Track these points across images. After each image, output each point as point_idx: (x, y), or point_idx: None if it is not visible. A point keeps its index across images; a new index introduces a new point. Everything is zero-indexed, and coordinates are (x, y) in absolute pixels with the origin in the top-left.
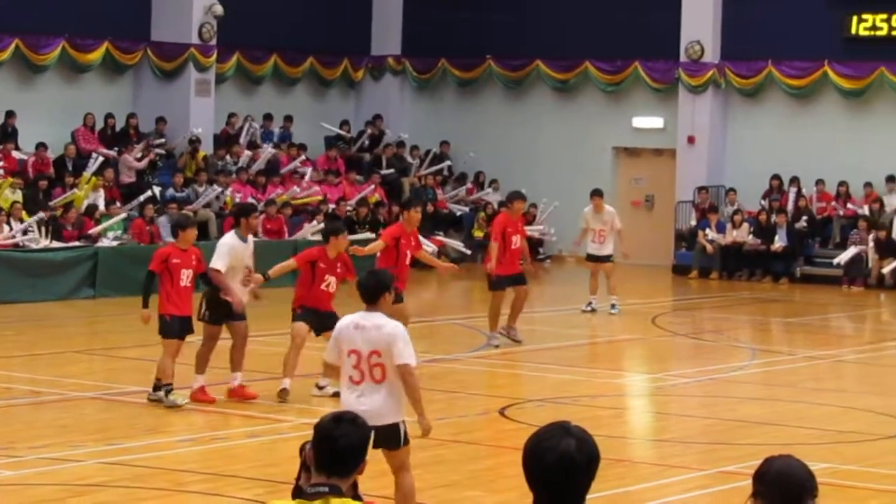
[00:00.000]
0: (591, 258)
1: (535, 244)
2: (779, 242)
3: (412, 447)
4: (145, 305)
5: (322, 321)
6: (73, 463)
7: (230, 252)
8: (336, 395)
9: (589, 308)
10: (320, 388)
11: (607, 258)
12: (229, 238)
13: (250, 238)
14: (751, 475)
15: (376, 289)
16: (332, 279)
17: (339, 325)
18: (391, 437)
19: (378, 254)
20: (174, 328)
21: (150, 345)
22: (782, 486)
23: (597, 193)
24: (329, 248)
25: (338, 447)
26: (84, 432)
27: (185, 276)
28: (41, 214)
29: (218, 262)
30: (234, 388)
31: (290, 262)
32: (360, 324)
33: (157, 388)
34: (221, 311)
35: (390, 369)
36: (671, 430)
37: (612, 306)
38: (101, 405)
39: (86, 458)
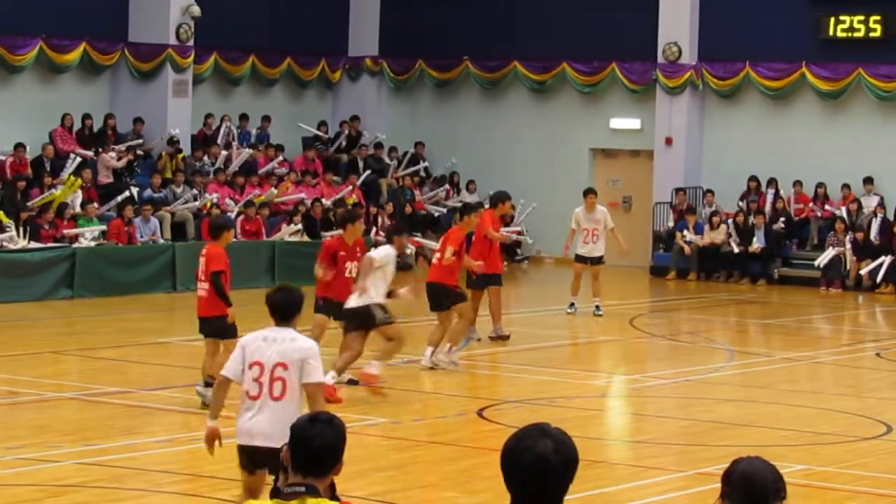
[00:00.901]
0: (581, 259)
1: (512, 245)
2: (756, 244)
3: (389, 448)
4: (230, 304)
5: (340, 310)
6: (51, 463)
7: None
8: (353, 382)
9: (572, 310)
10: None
11: (598, 259)
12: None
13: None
14: (721, 475)
15: (291, 306)
16: (352, 265)
17: (245, 338)
18: (277, 462)
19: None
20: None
21: (123, 346)
22: (747, 487)
23: (590, 192)
24: (346, 235)
25: (312, 447)
26: (61, 433)
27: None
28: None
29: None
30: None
31: (319, 266)
32: (269, 336)
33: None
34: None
35: (292, 387)
36: (648, 432)
37: (597, 308)
38: (77, 406)
39: (63, 459)
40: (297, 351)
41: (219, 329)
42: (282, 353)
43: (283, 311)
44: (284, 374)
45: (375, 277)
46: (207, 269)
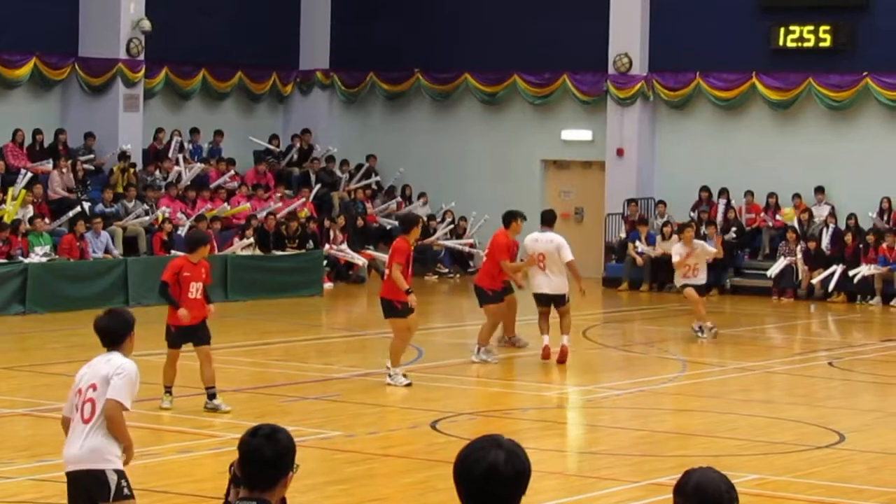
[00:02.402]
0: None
1: (465, 257)
2: None
3: (343, 461)
4: (178, 307)
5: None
6: (3, 479)
7: None
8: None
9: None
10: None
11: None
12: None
13: None
14: (673, 487)
15: (117, 331)
16: (197, 286)
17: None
18: (96, 486)
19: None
20: (179, 339)
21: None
22: (700, 498)
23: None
24: (409, 237)
25: (254, 460)
26: (13, 449)
27: (195, 289)
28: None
29: None
30: None
31: (397, 266)
32: (93, 363)
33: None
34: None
35: (101, 406)
36: (602, 443)
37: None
38: (30, 421)
39: (16, 475)
40: (109, 369)
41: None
42: (95, 374)
43: (110, 336)
44: (94, 394)
45: None
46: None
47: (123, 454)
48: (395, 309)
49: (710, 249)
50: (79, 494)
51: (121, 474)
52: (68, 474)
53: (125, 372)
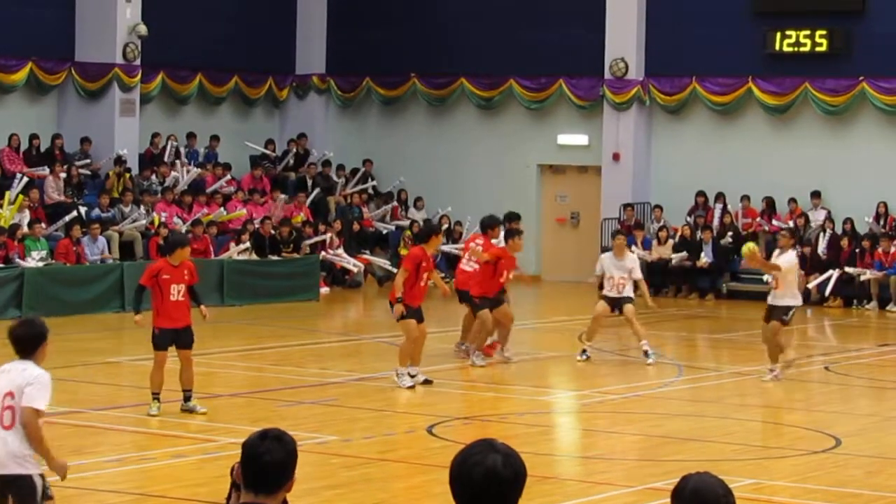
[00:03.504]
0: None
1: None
2: (704, 258)
3: (339, 465)
4: (137, 311)
5: (422, 315)
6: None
7: None
8: (427, 381)
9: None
10: (412, 376)
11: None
12: None
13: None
14: (671, 492)
15: (31, 340)
16: (179, 288)
17: None
18: (23, 491)
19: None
20: (164, 341)
21: (72, 366)
22: (698, 503)
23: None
24: (429, 247)
25: (262, 464)
26: None
27: (176, 291)
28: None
29: None
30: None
31: (403, 272)
32: (5, 369)
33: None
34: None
35: (21, 413)
36: (598, 447)
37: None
38: None
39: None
40: (24, 379)
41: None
42: (11, 383)
43: (24, 345)
44: (12, 402)
45: None
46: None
47: (44, 465)
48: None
49: (637, 274)
50: (1, 497)
51: (43, 477)
52: None
53: (40, 383)
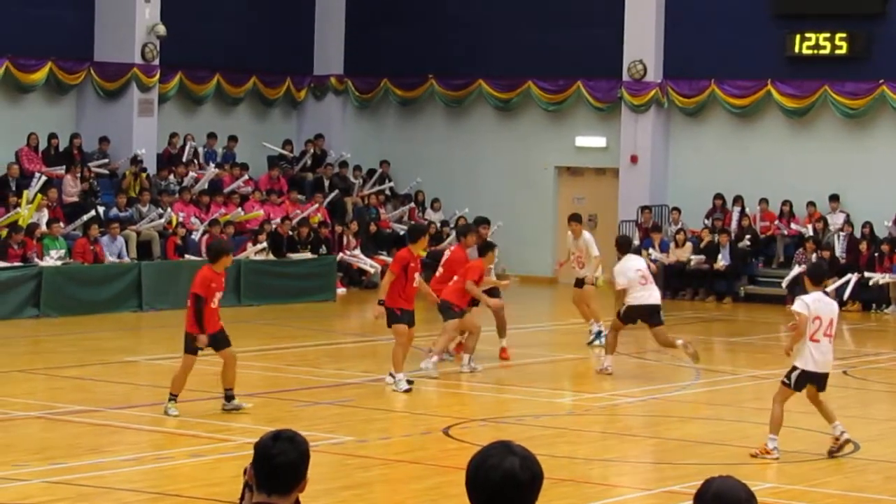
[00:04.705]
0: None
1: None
2: (722, 261)
3: (355, 466)
4: (203, 331)
5: (413, 318)
6: (17, 482)
7: None
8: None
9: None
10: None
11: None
12: None
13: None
14: (693, 495)
15: None
16: (418, 276)
17: None
18: None
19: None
20: (195, 346)
21: (89, 365)
22: None
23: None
24: (416, 248)
25: (275, 465)
26: (27, 452)
27: (217, 298)
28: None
29: None
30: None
31: (389, 274)
32: None
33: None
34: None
35: None
36: (615, 450)
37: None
38: (43, 424)
39: (29, 478)
40: None
41: (185, 342)
42: None
43: None
44: None
45: None
46: (191, 289)
47: None
48: (395, 315)
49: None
50: None
51: None
52: None
53: None
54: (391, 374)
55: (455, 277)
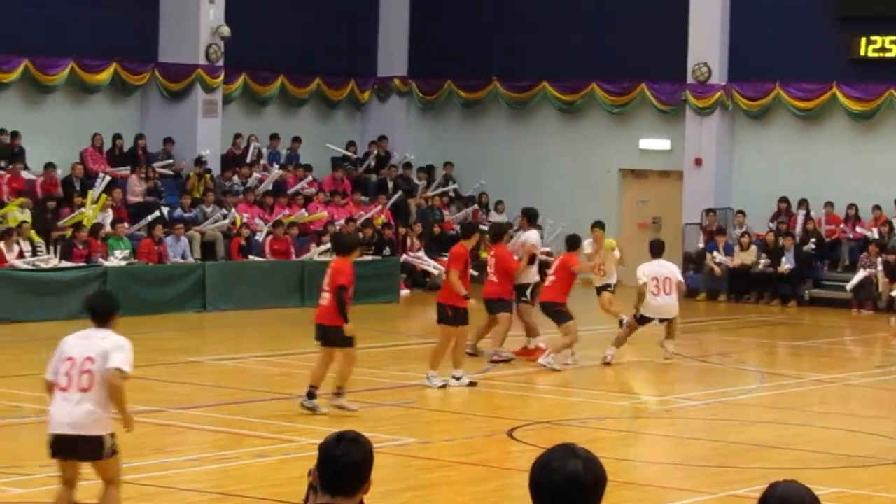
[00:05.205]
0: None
1: (541, 266)
2: (786, 265)
3: (419, 468)
4: (348, 320)
5: (467, 316)
6: (81, 481)
7: None
8: (472, 384)
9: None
10: (457, 378)
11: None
12: None
13: None
14: (758, 499)
15: (106, 310)
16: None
17: (65, 338)
18: (91, 449)
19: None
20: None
21: (153, 365)
22: None
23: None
24: (469, 244)
25: (339, 466)
26: None
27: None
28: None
29: None
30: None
31: (454, 272)
32: (86, 335)
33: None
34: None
35: (99, 379)
36: (678, 453)
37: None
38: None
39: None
40: (105, 345)
41: (336, 339)
42: (90, 349)
43: (100, 314)
44: (92, 367)
45: None
46: (333, 283)
47: (120, 417)
48: (446, 315)
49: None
50: (68, 455)
51: (113, 435)
52: (59, 436)
53: (124, 347)
54: (454, 377)
55: (553, 278)
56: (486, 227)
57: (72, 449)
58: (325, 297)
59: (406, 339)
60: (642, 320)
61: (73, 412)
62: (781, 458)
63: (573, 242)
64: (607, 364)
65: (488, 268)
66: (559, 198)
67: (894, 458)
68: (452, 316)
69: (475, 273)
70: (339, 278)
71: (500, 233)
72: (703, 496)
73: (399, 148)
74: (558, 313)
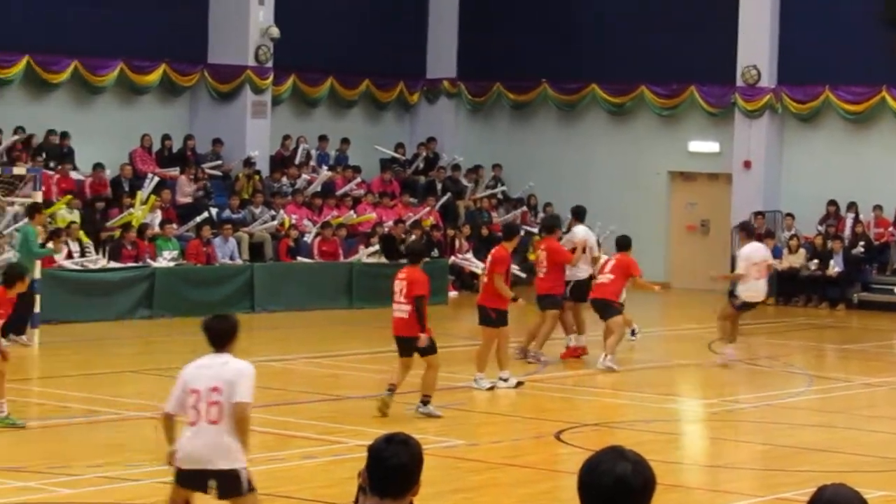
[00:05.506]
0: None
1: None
2: (835, 268)
3: (466, 469)
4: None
5: (507, 317)
6: (129, 482)
7: None
8: (520, 384)
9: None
10: (504, 380)
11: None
12: None
13: None
14: (806, 502)
15: (226, 333)
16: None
17: (184, 369)
18: (229, 484)
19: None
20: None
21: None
22: None
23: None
24: (510, 245)
25: (388, 468)
26: (140, 451)
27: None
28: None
29: None
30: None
31: (498, 276)
32: (207, 363)
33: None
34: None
35: (227, 409)
36: (726, 456)
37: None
38: (156, 424)
39: (142, 477)
40: (229, 374)
41: (418, 348)
42: (215, 378)
43: (219, 338)
44: (219, 397)
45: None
46: (410, 293)
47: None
48: (489, 317)
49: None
50: (197, 489)
51: (248, 471)
52: (188, 471)
53: (246, 376)
54: (501, 378)
55: (612, 276)
56: (533, 230)
57: (202, 484)
58: (402, 309)
59: (454, 341)
60: (745, 307)
61: (204, 446)
62: (829, 462)
63: (625, 244)
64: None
65: (537, 263)
66: (608, 200)
67: None
68: (496, 318)
69: (522, 275)
70: (417, 288)
71: (551, 225)
72: (751, 499)
73: (448, 150)
74: (611, 309)
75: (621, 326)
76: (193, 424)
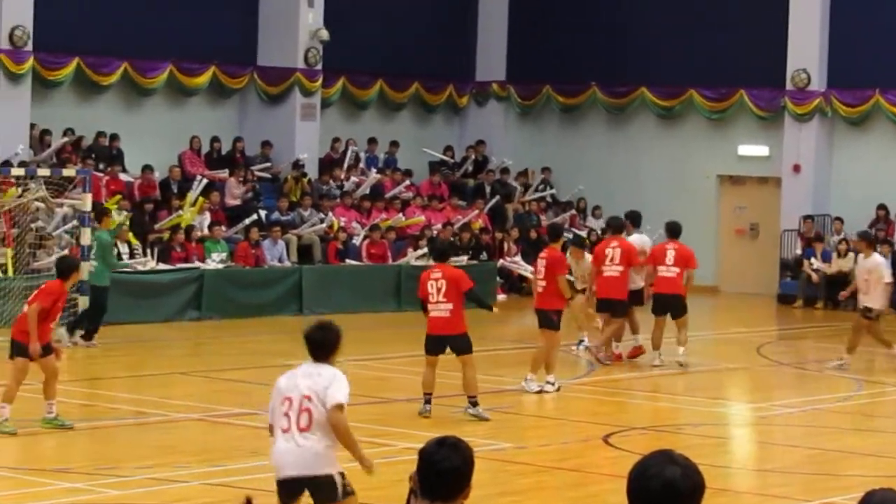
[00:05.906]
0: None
1: None
2: None
3: (514, 472)
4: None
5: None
6: (177, 484)
7: None
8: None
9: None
10: (551, 384)
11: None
12: None
13: None
14: None
15: (326, 343)
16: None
17: (280, 378)
18: (323, 490)
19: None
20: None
21: (249, 368)
22: None
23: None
24: (558, 246)
25: (439, 471)
26: (187, 453)
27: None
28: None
29: None
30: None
31: (561, 277)
32: (303, 372)
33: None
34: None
35: (318, 418)
36: (774, 460)
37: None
38: (203, 427)
39: (190, 479)
40: (321, 381)
41: (459, 347)
42: (309, 386)
43: (321, 349)
44: (310, 405)
45: None
46: (459, 288)
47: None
48: (551, 320)
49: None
50: (291, 498)
51: (343, 474)
52: (285, 480)
53: (337, 380)
54: (548, 381)
55: (677, 269)
56: (581, 233)
57: (299, 491)
58: (442, 308)
59: (501, 344)
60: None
61: (295, 453)
62: (878, 467)
63: (677, 231)
64: None
65: (607, 261)
66: (657, 203)
67: None
68: (557, 321)
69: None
70: (464, 283)
71: (618, 225)
72: (799, 503)
73: (497, 152)
74: (681, 307)
75: (685, 324)
76: (286, 432)
